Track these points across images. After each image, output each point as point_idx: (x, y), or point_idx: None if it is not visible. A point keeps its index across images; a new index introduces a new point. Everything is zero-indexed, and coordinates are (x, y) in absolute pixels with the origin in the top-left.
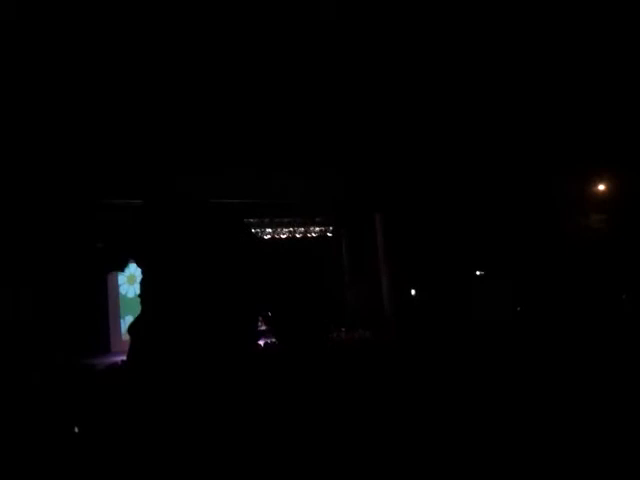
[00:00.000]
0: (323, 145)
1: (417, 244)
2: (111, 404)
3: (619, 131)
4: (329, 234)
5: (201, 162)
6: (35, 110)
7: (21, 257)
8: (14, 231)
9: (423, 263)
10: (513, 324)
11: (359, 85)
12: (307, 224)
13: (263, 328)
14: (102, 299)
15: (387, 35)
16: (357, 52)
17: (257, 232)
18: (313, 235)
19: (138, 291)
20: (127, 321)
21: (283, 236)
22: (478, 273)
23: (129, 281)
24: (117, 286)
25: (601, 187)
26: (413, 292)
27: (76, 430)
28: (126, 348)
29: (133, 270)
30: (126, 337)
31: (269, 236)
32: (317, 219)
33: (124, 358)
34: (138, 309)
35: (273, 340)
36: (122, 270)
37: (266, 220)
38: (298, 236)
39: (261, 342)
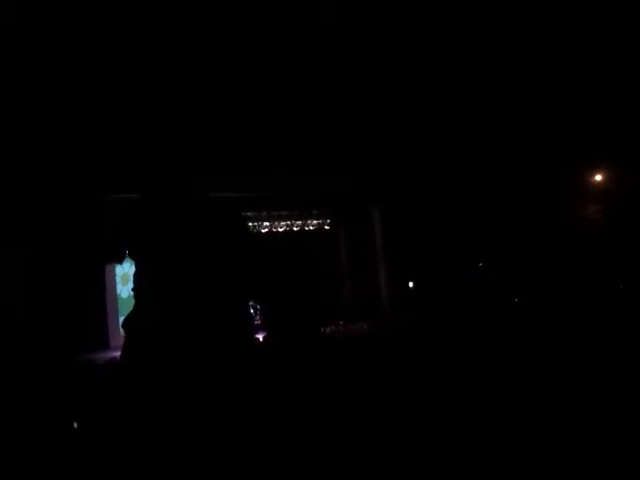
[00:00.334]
0: (321, 139)
1: (415, 237)
2: (109, 399)
3: (616, 124)
4: (327, 227)
5: (199, 157)
6: (41, 109)
7: (22, 250)
8: (16, 225)
9: (421, 256)
10: (511, 315)
11: (357, 80)
12: (305, 217)
13: (258, 322)
14: (100, 295)
15: (386, 32)
16: (354, 49)
17: (255, 226)
18: (311, 228)
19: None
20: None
21: (280, 229)
22: (478, 264)
23: (122, 281)
24: (115, 283)
25: (598, 178)
26: (411, 285)
27: (75, 426)
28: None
29: (127, 269)
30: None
31: (266, 230)
32: (315, 212)
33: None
34: (131, 307)
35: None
36: (120, 262)
37: (263, 214)
38: (296, 229)
39: (259, 336)
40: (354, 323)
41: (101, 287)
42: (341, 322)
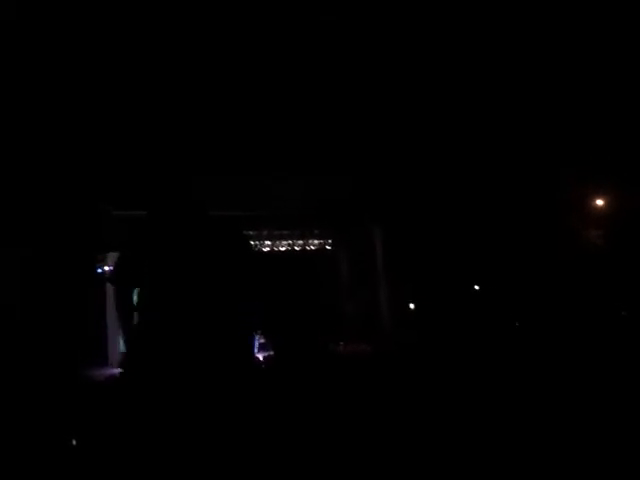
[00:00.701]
0: (324, 157)
1: (416, 258)
2: (109, 411)
3: (617, 148)
4: (328, 247)
5: (203, 174)
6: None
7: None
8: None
9: (422, 277)
10: (511, 339)
11: (361, 97)
12: (306, 236)
13: (262, 341)
14: (101, 313)
15: (388, 38)
16: (357, 59)
17: (256, 244)
18: (312, 248)
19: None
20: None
21: (282, 249)
22: (477, 287)
23: None
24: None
25: (599, 203)
26: (412, 306)
27: (74, 442)
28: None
29: None
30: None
31: (268, 249)
32: (316, 231)
33: (121, 370)
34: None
35: (271, 353)
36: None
37: (264, 232)
38: (297, 249)
39: (260, 356)
40: (355, 343)
41: (101, 307)
42: (342, 342)
